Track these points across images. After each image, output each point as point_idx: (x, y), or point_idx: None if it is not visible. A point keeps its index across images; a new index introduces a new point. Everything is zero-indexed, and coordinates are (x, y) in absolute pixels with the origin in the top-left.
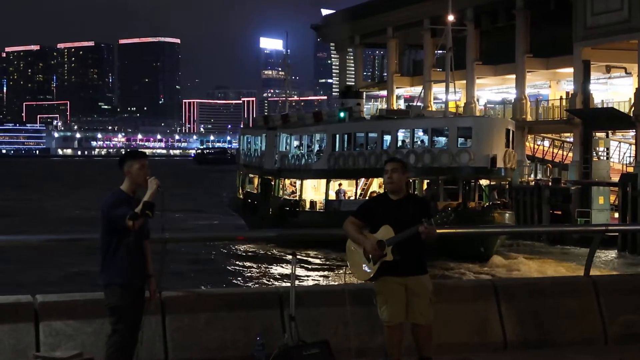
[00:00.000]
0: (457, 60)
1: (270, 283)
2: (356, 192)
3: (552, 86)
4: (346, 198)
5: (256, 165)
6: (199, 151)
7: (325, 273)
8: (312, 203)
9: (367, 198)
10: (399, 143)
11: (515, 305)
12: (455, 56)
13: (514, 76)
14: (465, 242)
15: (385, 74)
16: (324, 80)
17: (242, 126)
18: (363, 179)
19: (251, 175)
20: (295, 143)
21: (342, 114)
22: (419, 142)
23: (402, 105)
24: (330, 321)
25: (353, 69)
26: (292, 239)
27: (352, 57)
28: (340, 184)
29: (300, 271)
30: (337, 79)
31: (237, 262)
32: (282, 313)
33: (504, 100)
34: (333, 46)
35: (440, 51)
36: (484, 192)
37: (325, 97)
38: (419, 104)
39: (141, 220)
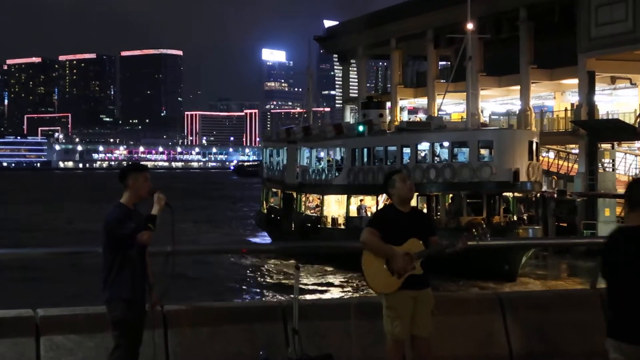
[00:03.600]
0: (459, 72)
1: (273, 296)
2: (377, 208)
3: (556, 97)
4: (368, 214)
5: (278, 179)
6: (239, 163)
7: (329, 286)
8: (334, 219)
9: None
10: (419, 157)
11: (521, 318)
12: (457, 68)
13: (518, 87)
14: (487, 259)
15: (389, 85)
16: (327, 92)
17: (262, 138)
18: (384, 195)
19: (274, 190)
20: (316, 157)
21: (360, 128)
22: (439, 158)
23: (404, 117)
24: (334, 334)
25: (356, 80)
26: (294, 252)
27: (355, 69)
28: (362, 200)
29: (303, 284)
30: (341, 90)
31: (241, 275)
32: (286, 326)
33: (509, 112)
34: (336, 57)
35: (443, 62)
36: (511, 205)
37: (329, 109)
38: (421, 115)
39: (150, 233)
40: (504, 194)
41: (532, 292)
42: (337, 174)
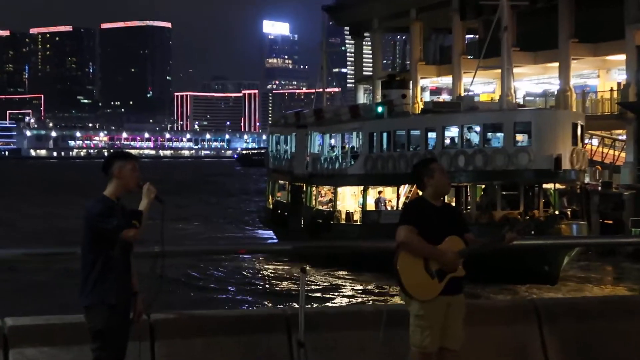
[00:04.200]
0: (491, 46)
1: (276, 303)
2: (398, 201)
3: (601, 76)
4: (387, 208)
5: (286, 169)
6: (243, 152)
7: (341, 292)
8: (349, 214)
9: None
10: (447, 142)
11: (560, 328)
12: (491, 40)
13: (556, 64)
14: (524, 259)
15: (408, 62)
16: (337, 70)
17: (270, 123)
18: (406, 186)
19: (281, 182)
20: (329, 143)
21: (379, 109)
22: (470, 143)
23: (426, 98)
24: (345, 347)
25: (371, 56)
26: (301, 253)
27: (369, 43)
28: (380, 192)
29: (311, 290)
30: (353, 68)
31: (238, 280)
32: (290, 338)
33: (546, 92)
34: (348, 31)
35: (470, 36)
36: (552, 198)
37: (339, 89)
38: (445, 96)
39: (137, 230)
40: (544, 185)
41: (573, 298)
42: (352, 162)
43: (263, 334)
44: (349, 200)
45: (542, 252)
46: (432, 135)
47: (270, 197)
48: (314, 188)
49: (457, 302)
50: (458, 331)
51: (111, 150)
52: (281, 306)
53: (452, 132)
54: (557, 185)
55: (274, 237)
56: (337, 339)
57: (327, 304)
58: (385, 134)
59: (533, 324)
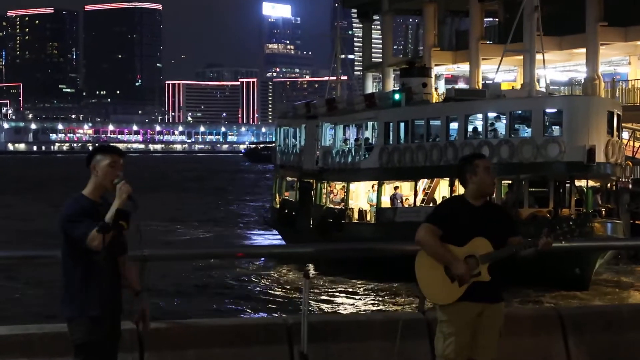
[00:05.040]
0: (509, 31)
1: (276, 312)
2: (415, 198)
3: (632, 63)
4: (404, 205)
5: (294, 165)
6: (251, 146)
7: (349, 299)
8: (362, 212)
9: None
10: (469, 132)
11: (587, 340)
12: (508, 26)
13: (583, 50)
14: (553, 261)
15: (421, 47)
16: (343, 56)
17: (276, 114)
18: (425, 180)
19: (289, 179)
20: (341, 135)
21: (396, 96)
22: (500, 132)
23: (440, 87)
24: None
25: (380, 41)
26: (305, 256)
27: (379, 27)
28: (396, 187)
29: (315, 297)
30: (361, 54)
31: (236, 285)
32: (292, 349)
33: (572, 81)
34: (355, 13)
35: (489, 19)
36: (586, 195)
37: (345, 78)
38: (461, 85)
39: (111, 235)
40: (577, 182)
41: (600, 306)
42: (366, 155)
43: (262, 345)
44: (363, 197)
45: (573, 253)
46: (453, 125)
47: (277, 195)
48: (324, 184)
49: (491, 312)
50: (490, 343)
51: (96, 144)
52: (282, 315)
53: (476, 122)
54: (591, 182)
55: (281, 238)
56: (342, 350)
57: (333, 312)
58: (402, 124)
59: (557, 335)
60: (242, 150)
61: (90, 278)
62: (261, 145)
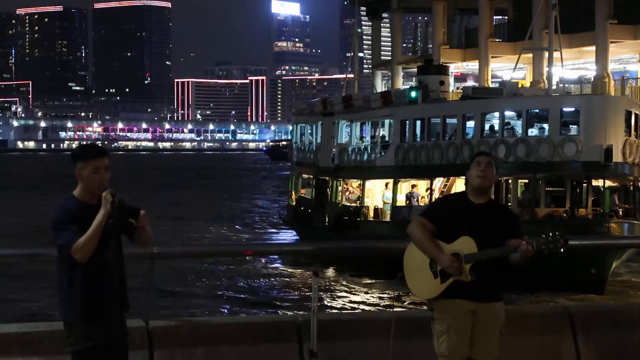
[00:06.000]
0: (518, 29)
1: (286, 310)
2: (431, 196)
3: None
4: (420, 203)
5: (310, 162)
6: (272, 144)
7: (361, 297)
8: (377, 211)
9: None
10: (486, 131)
11: (597, 339)
12: (517, 23)
13: (593, 48)
14: (568, 261)
15: (430, 45)
16: (350, 54)
17: (293, 111)
18: (441, 179)
19: (305, 176)
20: (357, 132)
21: (413, 94)
22: (517, 130)
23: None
24: (362, 358)
25: (389, 39)
26: (314, 253)
27: (388, 25)
28: (413, 185)
29: (326, 294)
30: (370, 52)
31: (245, 284)
32: (301, 348)
33: (581, 79)
34: (364, 11)
35: (498, 17)
36: (603, 196)
37: (352, 76)
38: (471, 83)
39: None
40: (594, 182)
41: (610, 305)
42: (382, 153)
43: (271, 343)
44: (379, 195)
45: (589, 252)
46: (470, 124)
47: (293, 192)
48: (340, 182)
49: (484, 311)
50: (487, 342)
51: (105, 142)
52: (292, 313)
53: (493, 120)
54: (609, 183)
55: (297, 236)
56: (352, 349)
57: (342, 311)
58: (418, 122)
59: (566, 334)
60: (264, 148)
61: (75, 280)
62: (283, 143)
